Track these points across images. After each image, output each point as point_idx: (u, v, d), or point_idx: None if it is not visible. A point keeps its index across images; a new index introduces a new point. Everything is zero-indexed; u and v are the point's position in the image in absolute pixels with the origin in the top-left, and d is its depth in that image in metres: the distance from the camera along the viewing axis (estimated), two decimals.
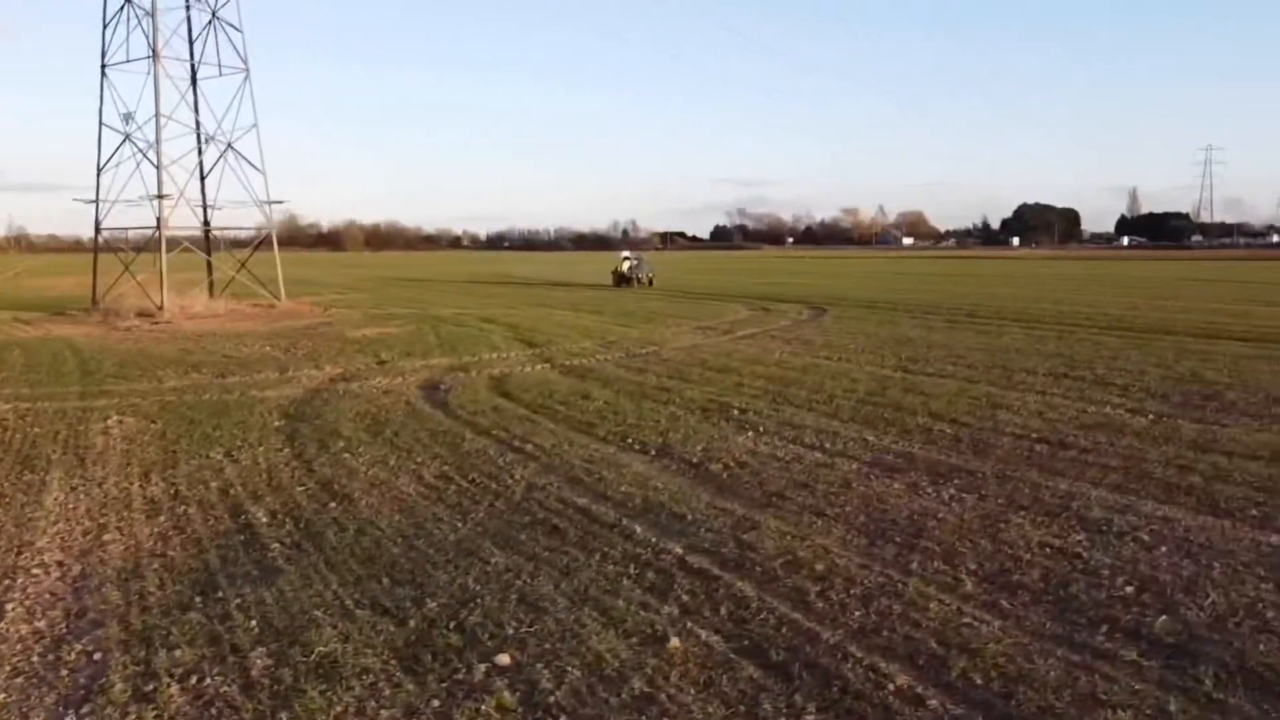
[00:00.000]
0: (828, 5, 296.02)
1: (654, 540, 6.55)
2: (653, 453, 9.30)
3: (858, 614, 5.29)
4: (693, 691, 4.40)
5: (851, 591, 5.63)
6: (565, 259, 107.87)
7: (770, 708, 4.27)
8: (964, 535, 6.66)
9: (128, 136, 26.20)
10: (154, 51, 25.69)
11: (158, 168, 25.48)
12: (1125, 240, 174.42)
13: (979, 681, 4.52)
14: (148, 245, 26.97)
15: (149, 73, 25.62)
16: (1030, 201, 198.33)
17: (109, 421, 10.91)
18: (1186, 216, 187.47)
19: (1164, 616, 5.24)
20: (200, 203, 29.38)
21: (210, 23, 28.15)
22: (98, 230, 27.76)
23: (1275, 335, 19.14)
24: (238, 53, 28.26)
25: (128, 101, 26.62)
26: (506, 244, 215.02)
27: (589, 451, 9.32)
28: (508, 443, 9.75)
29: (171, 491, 8.01)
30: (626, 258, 43.15)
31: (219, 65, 28.37)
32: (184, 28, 28.38)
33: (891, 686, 4.46)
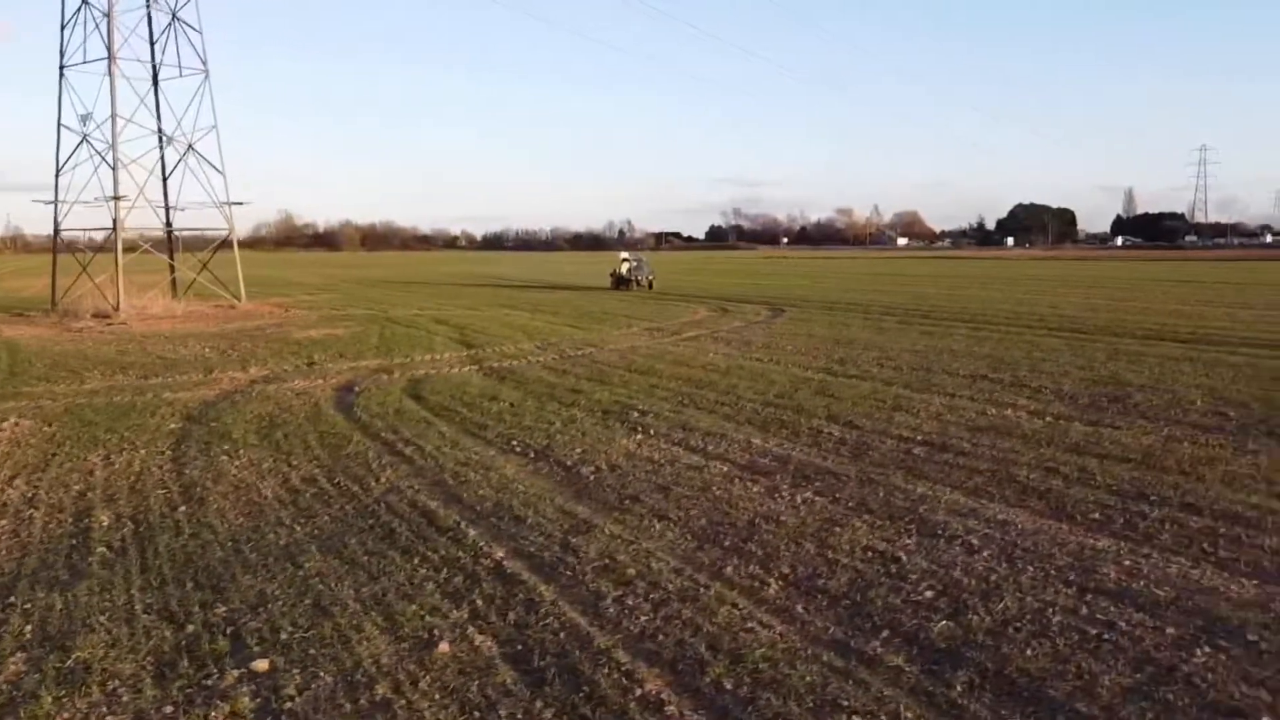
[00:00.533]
0: (828, 6, 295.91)
1: (481, 544, 6.55)
2: (532, 455, 9.29)
3: (643, 619, 5.29)
4: (436, 697, 4.40)
5: (651, 596, 5.62)
6: (557, 259, 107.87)
7: (505, 714, 4.26)
8: (795, 539, 6.66)
9: (85, 138, 26.21)
10: (110, 53, 25.67)
11: (113, 169, 25.46)
12: (1119, 240, 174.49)
13: (729, 687, 4.51)
14: (105, 246, 26.92)
15: (105, 74, 25.58)
16: (1028, 201, 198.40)
17: (5, 424, 10.90)
18: (1182, 217, 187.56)
19: (946, 622, 5.23)
20: (162, 204, 29.35)
21: (170, 24, 28.15)
22: (56, 232, 27.76)
23: (1217, 337, 19.13)
24: (197, 54, 28.28)
25: (87, 102, 26.62)
26: (508, 243, 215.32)
27: (468, 454, 9.31)
28: (391, 445, 9.74)
29: (29, 495, 8.00)
30: (625, 259, 41.32)
31: (179, 66, 28.37)
32: (144, 29, 28.37)
33: (638, 692, 4.46)
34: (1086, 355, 16.28)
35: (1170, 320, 23.19)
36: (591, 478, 8.41)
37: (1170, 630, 5.08)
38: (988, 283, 44.87)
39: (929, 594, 5.65)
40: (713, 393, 12.72)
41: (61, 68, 26.84)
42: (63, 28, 26.78)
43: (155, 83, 28.78)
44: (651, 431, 10.31)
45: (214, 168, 28.42)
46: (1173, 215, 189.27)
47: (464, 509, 7.45)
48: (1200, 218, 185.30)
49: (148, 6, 28.03)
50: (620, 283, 39.56)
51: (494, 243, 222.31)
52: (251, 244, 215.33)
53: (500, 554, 6.36)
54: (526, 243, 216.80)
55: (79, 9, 26.39)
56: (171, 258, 30.13)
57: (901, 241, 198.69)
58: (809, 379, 13.91)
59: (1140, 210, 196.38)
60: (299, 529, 6.97)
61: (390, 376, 14.58)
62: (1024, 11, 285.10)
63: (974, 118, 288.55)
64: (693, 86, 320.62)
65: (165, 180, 29.24)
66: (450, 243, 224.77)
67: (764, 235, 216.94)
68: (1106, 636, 5.00)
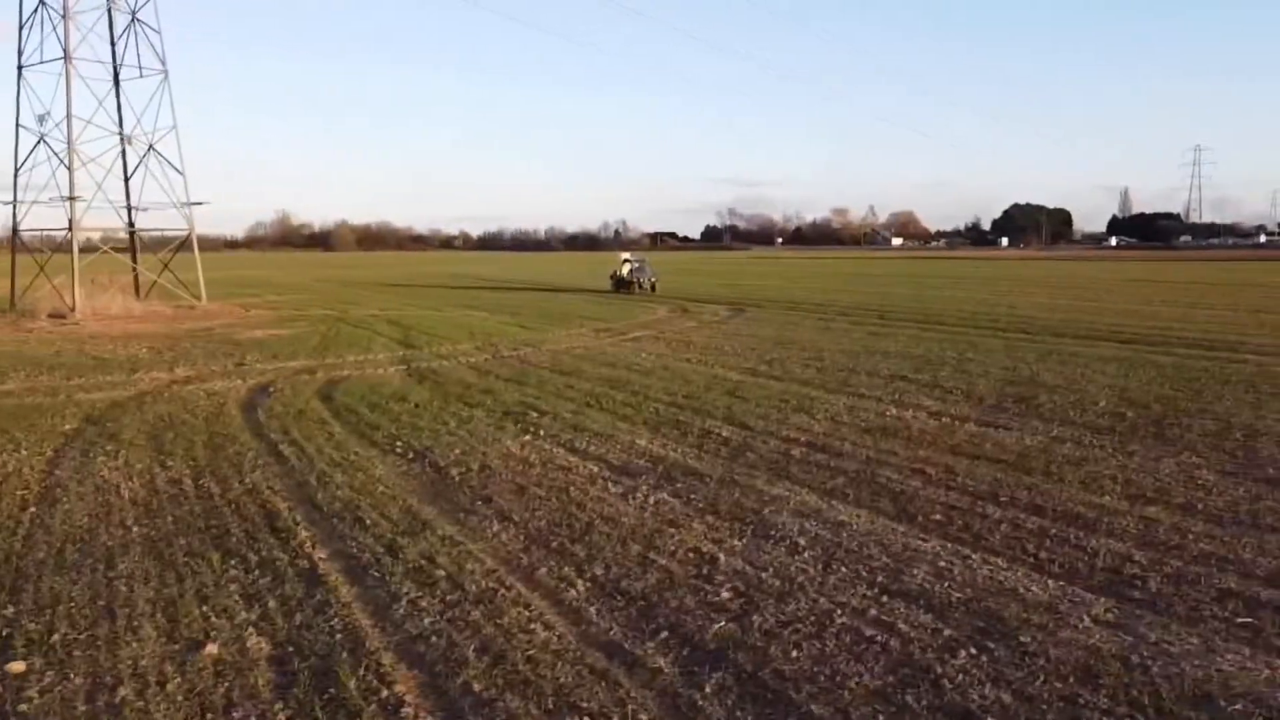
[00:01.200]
0: (827, 6, 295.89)
1: (307, 546, 6.54)
2: (410, 456, 9.29)
3: (427, 621, 5.27)
4: (178, 699, 4.38)
5: (448, 598, 5.61)
6: (550, 260, 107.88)
7: (239, 716, 4.25)
8: (624, 540, 6.65)
9: (42, 138, 26.21)
10: (66, 53, 25.67)
11: (69, 169, 25.45)
12: (1113, 241, 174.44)
13: (476, 689, 4.50)
14: (63, 246, 26.92)
15: (60, 74, 25.59)
16: (1025, 202, 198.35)
17: None
18: (1177, 217, 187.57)
19: (729, 623, 5.23)
20: (125, 204, 29.33)
21: (130, 24, 28.15)
22: (15, 232, 27.75)
23: (1159, 337, 19.14)
24: (157, 54, 28.27)
25: (46, 102, 26.62)
26: (504, 244, 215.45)
27: (347, 455, 9.31)
28: (274, 446, 9.74)
29: None
30: (627, 260, 38.36)
31: (139, 67, 28.36)
32: (105, 29, 28.36)
33: (384, 694, 4.44)
34: (1018, 356, 16.28)
35: (1122, 320, 23.19)
36: (457, 479, 8.40)
37: (947, 632, 5.07)
38: (962, 283, 44.86)
39: (727, 595, 5.64)
40: (624, 393, 12.72)
41: (20, 67, 26.87)
42: (20, 27, 26.81)
43: (116, 83, 28.78)
44: (542, 432, 10.30)
45: (174, 168, 28.39)
46: (1168, 215, 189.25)
47: (311, 510, 7.44)
48: (1195, 218, 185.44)
49: (108, 7, 28.04)
50: (621, 285, 37.14)
51: (489, 243, 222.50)
52: (249, 244, 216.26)
53: (321, 555, 6.36)
54: (522, 243, 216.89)
55: (36, 8, 26.42)
56: (134, 258, 30.11)
57: (896, 242, 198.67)
58: (727, 380, 13.90)
59: (1136, 210, 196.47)
60: (136, 530, 6.96)
61: (312, 377, 14.58)
62: (1024, 12, 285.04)
63: (973, 118, 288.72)
64: (692, 87, 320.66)
65: (127, 181, 29.23)
66: (446, 243, 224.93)
67: (759, 235, 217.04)
68: (879, 639, 4.99)
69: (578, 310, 28.46)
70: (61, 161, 25.76)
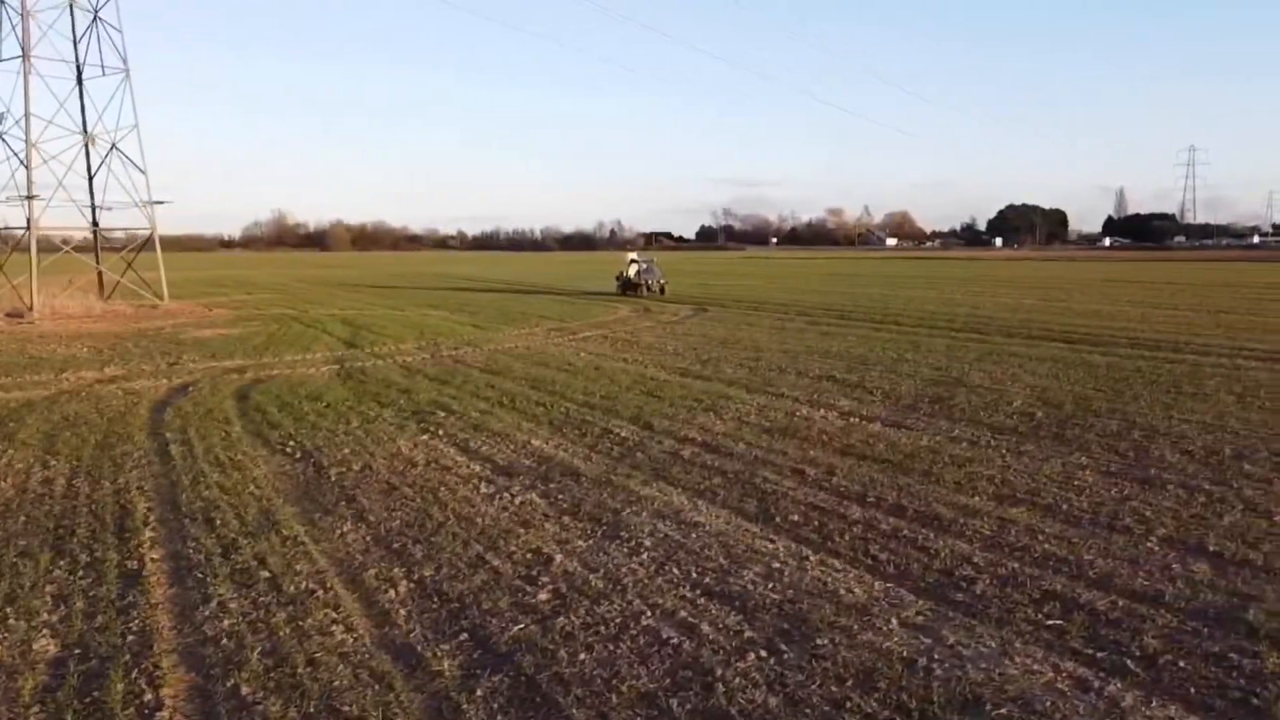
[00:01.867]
0: (827, 7, 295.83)
1: (144, 548, 6.46)
2: (298, 456, 9.21)
3: (227, 624, 5.20)
4: None
5: (262, 600, 5.54)
6: (544, 260, 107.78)
7: None
8: (471, 541, 6.58)
9: (0, 136, 26.11)
10: (24, 51, 25.58)
11: (27, 168, 25.37)
12: (1107, 241, 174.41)
13: (244, 692, 4.43)
14: (23, 245, 26.83)
15: (19, 72, 25.50)
16: (1023, 202, 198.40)
17: None
18: (1172, 218, 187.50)
19: (532, 625, 5.16)
20: (88, 203, 29.24)
21: (93, 23, 28.06)
22: None
23: (1107, 337, 19.07)
24: (118, 52, 28.18)
25: (6, 100, 26.53)
26: (503, 243, 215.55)
27: (234, 454, 9.23)
28: (165, 445, 9.66)
29: None
30: (633, 260, 35.79)
31: (101, 65, 28.26)
32: (68, 28, 28.27)
33: (148, 696, 4.37)
34: (958, 356, 16.21)
35: (1079, 321, 23.12)
36: (333, 479, 8.32)
37: (747, 634, 5.01)
38: (938, 283, 44.78)
39: (544, 597, 5.57)
40: (542, 393, 12.65)
41: None
42: None
43: (79, 81, 28.69)
44: (441, 432, 10.23)
45: (136, 167, 28.30)
46: (1163, 216, 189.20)
47: (168, 511, 7.36)
48: (1190, 218, 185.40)
49: (69, 5, 27.94)
50: (628, 287, 34.72)
51: (484, 243, 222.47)
52: (244, 244, 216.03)
53: (155, 556, 6.29)
54: (517, 243, 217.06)
55: None
56: (98, 258, 30.01)
57: (891, 242, 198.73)
58: (654, 379, 13.83)
59: (1132, 211, 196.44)
60: None
61: (240, 376, 14.49)
62: (1023, 14, 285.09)
63: (972, 119, 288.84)
64: (692, 88, 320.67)
65: (90, 179, 29.13)
66: (441, 243, 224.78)
67: (754, 235, 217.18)
68: (675, 641, 4.93)
69: (540, 310, 28.40)
70: (20, 161, 25.67)
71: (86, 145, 28.74)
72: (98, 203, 29.36)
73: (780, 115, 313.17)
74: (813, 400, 12.00)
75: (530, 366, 15.29)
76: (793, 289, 40.21)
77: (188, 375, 14.63)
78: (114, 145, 28.26)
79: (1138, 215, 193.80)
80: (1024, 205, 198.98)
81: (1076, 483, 7.95)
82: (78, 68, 28.55)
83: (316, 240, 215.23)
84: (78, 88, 28.56)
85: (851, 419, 10.80)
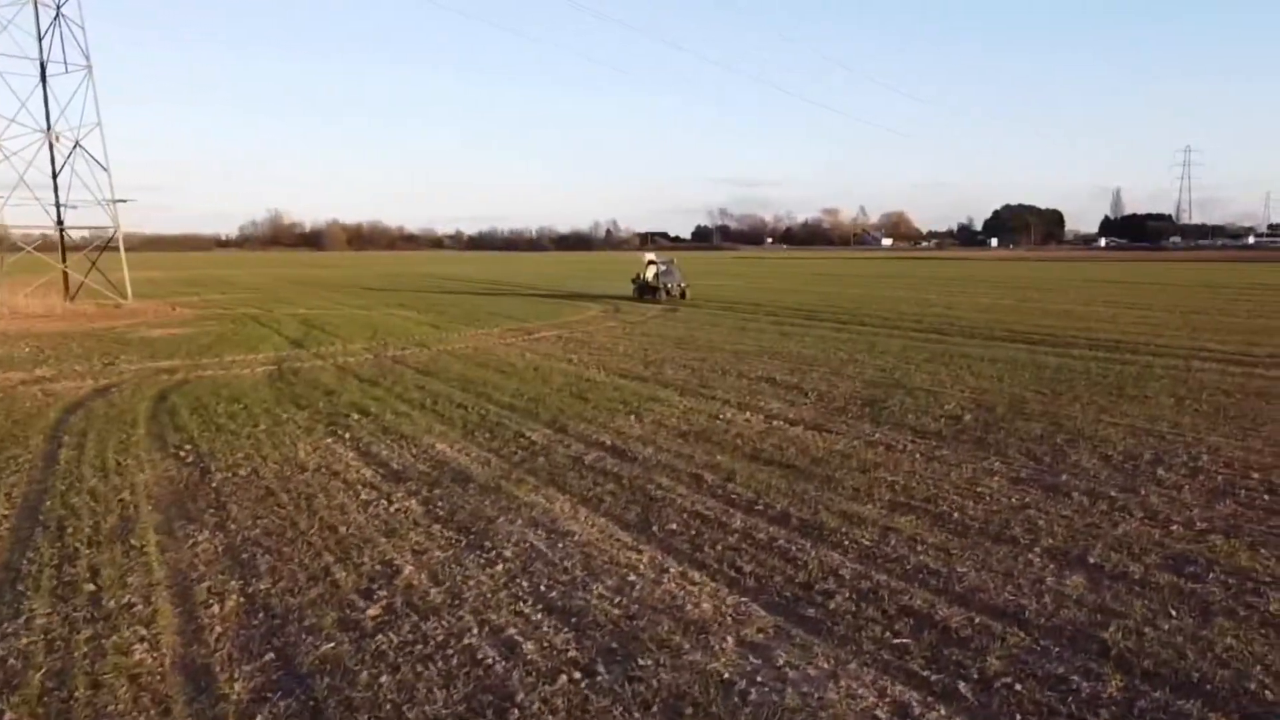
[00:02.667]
0: (826, 7, 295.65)
1: None
2: (189, 460, 8.92)
3: (25, 642, 4.91)
4: None
5: (78, 614, 5.24)
6: (536, 260, 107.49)
7: None
8: (325, 550, 6.29)
9: None
10: None
11: None
12: (1103, 241, 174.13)
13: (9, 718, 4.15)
14: None
15: None
16: (1020, 202, 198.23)
17: None
18: (1168, 218, 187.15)
19: (343, 644, 4.87)
20: (54, 202, 28.92)
21: (55, 19, 27.75)
22: None
23: (1068, 338, 18.80)
24: (81, 49, 27.88)
25: None
26: (500, 243, 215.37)
27: (126, 459, 8.94)
28: (54, 449, 9.36)
29: None
30: (652, 261, 32.90)
31: (65, 63, 27.97)
32: (31, 25, 27.96)
33: None
34: (909, 357, 15.94)
35: (1046, 321, 22.84)
36: (215, 485, 8.03)
37: (570, 654, 4.73)
38: (919, 283, 44.48)
39: (374, 612, 5.29)
40: (470, 395, 12.36)
41: None
42: None
43: (44, 79, 28.38)
44: (348, 435, 9.94)
45: (99, 165, 28.00)
46: (1159, 216, 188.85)
47: (26, 518, 7.07)
48: (1185, 219, 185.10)
49: (34, 1, 27.63)
50: (645, 291, 31.80)
51: (481, 243, 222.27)
52: (239, 243, 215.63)
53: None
54: (513, 243, 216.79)
55: None
56: (63, 256, 29.71)
57: (886, 242, 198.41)
58: (589, 381, 13.54)
59: (1129, 211, 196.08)
60: None
61: (170, 377, 14.20)
62: (1023, 15, 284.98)
63: (971, 120, 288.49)
64: (692, 88, 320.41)
65: (55, 177, 28.81)
66: (437, 243, 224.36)
67: (750, 235, 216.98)
68: (489, 661, 4.64)
69: (508, 310, 28.12)
70: None
71: (50, 143, 28.44)
72: (62, 201, 29.05)
73: (779, 116, 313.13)
74: (742, 403, 11.71)
75: (469, 367, 14.99)
76: (772, 289, 39.92)
77: (117, 376, 14.34)
78: (77, 143, 27.97)
79: (1134, 216, 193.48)
80: (1020, 205, 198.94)
81: (979, 489, 7.67)
82: (41, 65, 28.25)
83: (312, 240, 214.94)
84: (41, 85, 28.27)
85: (775, 422, 10.52)
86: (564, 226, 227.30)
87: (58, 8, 27.70)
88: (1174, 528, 6.65)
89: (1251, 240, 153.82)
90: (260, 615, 5.27)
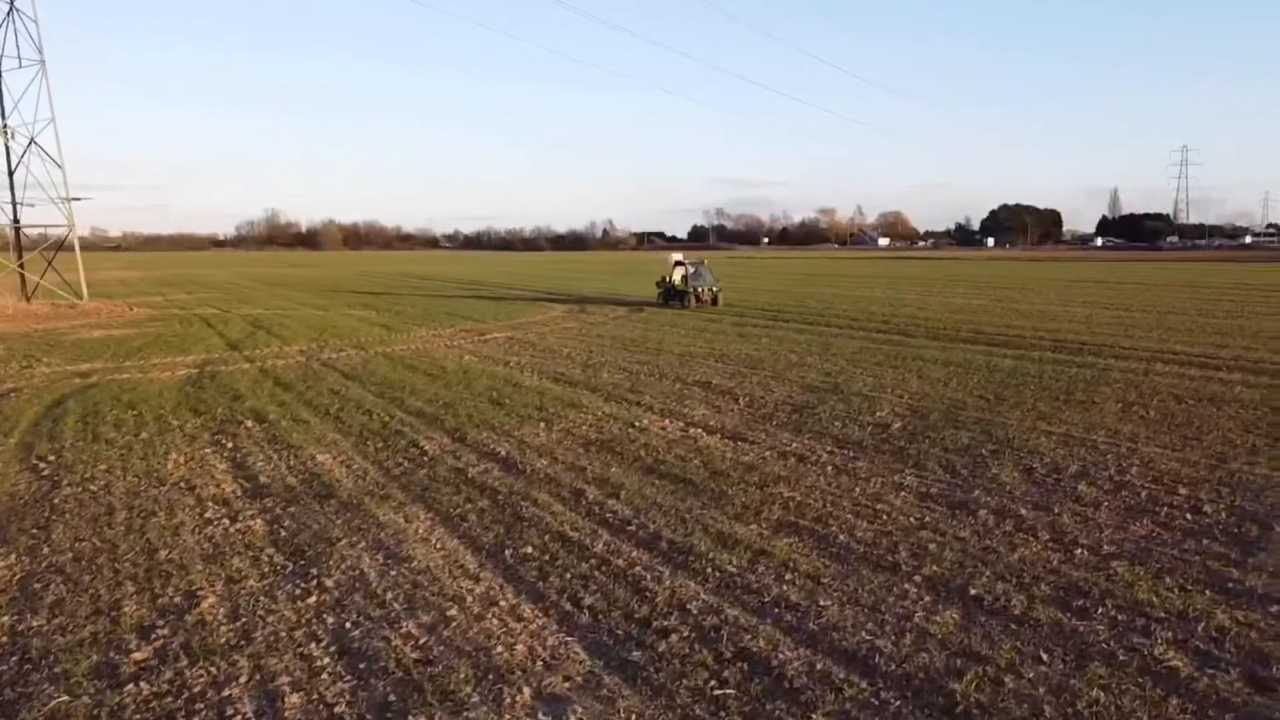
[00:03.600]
0: (826, 7, 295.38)
1: None
2: (46, 472, 8.31)
3: None
4: None
5: None
6: (531, 260, 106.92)
7: None
8: (131, 579, 5.69)
9: None
10: None
11: None
12: (1099, 241, 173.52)
13: None
14: None
15: None
16: (1018, 202, 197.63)
17: None
18: (1165, 218, 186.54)
19: (83, 699, 4.26)
20: (9, 200, 28.31)
21: (9, 14, 27.13)
22: None
23: (1031, 339, 18.19)
24: (34, 44, 27.26)
25: None
26: (495, 242, 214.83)
27: None
28: None
29: None
30: (679, 263, 28.84)
31: (19, 58, 27.35)
32: None
33: None
34: (861, 359, 15.32)
35: (1017, 322, 22.21)
36: (57, 501, 7.42)
37: (339, 709, 4.11)
38: (900, 283, 43.83)
39: (142, 655, 4.67)
40: (383, 400, 11.75)
41: None
42: None
43: None
44: (230, 445, 9.33)
45: (54, 162, 27.38)
46: (1156, 216, 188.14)
47: None
48: (1182, 219, 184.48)
49: None
50: (671, 296, 27.97)
51: (476, 243, 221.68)
52: (235, 243, 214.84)
53: None
54: (509, 243, 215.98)
55: None
56: (19, 255, 29.07)
57: (883, 242, 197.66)
58: (516, 384, 12.92)
59: (1126, 211, 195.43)
60: None
61: (82, 380, 13.58)
62: (1023, 16, 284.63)
63: (969, 120, 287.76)
64: (693, 89, 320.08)
65: (11, 175, 28.19)
66: (432, 242, 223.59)
67: (746, 235, 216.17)
68: (237, 714, 4.02)
69: (469, 311, 27.52)
70: None
71: (6, 140, 27.83)
72: (18, 199, 28.42)
73: (778, 117, 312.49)
74: (666, 409, 11.10)
75: (397, 371, 14.37)
76: (750, 289, 39.29)
77: (26, 380, 13.73)
78: (32, 140, 27.35)
79: (1132, 215, 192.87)
80: (1017, 205, 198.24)
81: (879, 506, 7.06)
82: None
83: (309, 240, 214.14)
84: None
85: (692, 430, 9.91)
86: (561, 226, 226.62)
87: (11, 3, 27.08)
88: (1077, 552, 6.04)
89: (1248, 240, 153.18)
90: (12, 660, 4.65)
